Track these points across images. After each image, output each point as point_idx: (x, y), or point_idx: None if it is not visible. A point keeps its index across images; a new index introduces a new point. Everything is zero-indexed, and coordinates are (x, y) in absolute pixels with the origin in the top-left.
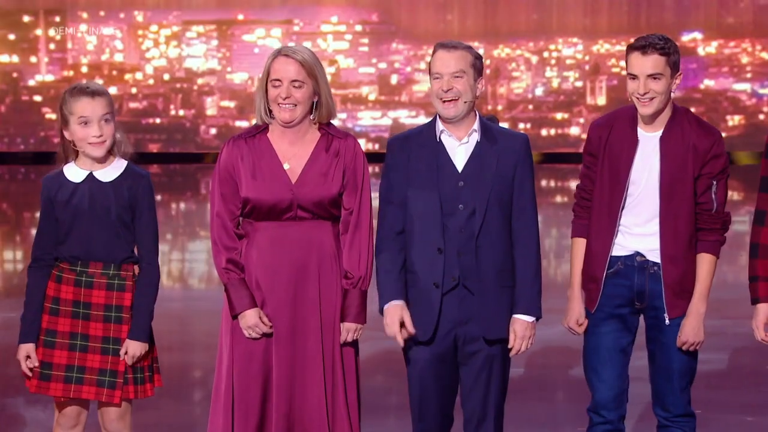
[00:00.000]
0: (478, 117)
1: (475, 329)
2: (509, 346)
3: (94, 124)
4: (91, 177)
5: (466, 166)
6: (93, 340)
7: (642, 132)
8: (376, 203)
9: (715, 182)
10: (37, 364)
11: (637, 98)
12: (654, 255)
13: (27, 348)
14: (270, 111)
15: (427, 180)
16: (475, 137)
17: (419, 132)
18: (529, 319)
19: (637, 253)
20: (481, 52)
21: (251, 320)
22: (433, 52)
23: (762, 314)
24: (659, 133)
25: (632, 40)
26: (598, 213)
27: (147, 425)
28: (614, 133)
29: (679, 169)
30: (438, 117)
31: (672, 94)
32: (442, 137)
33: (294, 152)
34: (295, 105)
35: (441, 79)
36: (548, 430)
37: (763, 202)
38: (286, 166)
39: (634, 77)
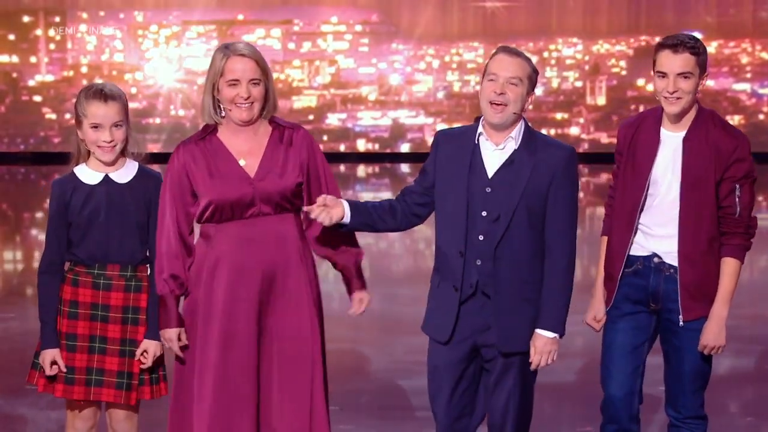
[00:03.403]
0: (521, 126)
1: (492, 338)
2: (530, 360)
3: (105, 130)
4: (107, 179)
5: (497, 173)
6: (111, 342)
7: (665, 132)
8: (381, 196)
9: (738, 186)
10: (64, 370)
11: (665, 97)
12: (671, 258)
13: (53, 353)
14: (220, 110)
15: (457, 180)
16: (512, 145)
17: (465, 131)
18: (550, 335)
19: (655, 255)
20: (480, 52)
21: (169, 336)
22: (494, 54)
23: None
24: (683, 133)
25: (659, 39)
26: (619, 211)
27: (147, 424)
28: (639, 133)
29: (702, 169)
30: (481, 120)
31: (698, 95)
32: (479, 140)
33: (248, 148)
34: (253, 103)
35: (496, 81)
36: (548, 430)
37: None
38: (241, 163)
39: (663, 75)
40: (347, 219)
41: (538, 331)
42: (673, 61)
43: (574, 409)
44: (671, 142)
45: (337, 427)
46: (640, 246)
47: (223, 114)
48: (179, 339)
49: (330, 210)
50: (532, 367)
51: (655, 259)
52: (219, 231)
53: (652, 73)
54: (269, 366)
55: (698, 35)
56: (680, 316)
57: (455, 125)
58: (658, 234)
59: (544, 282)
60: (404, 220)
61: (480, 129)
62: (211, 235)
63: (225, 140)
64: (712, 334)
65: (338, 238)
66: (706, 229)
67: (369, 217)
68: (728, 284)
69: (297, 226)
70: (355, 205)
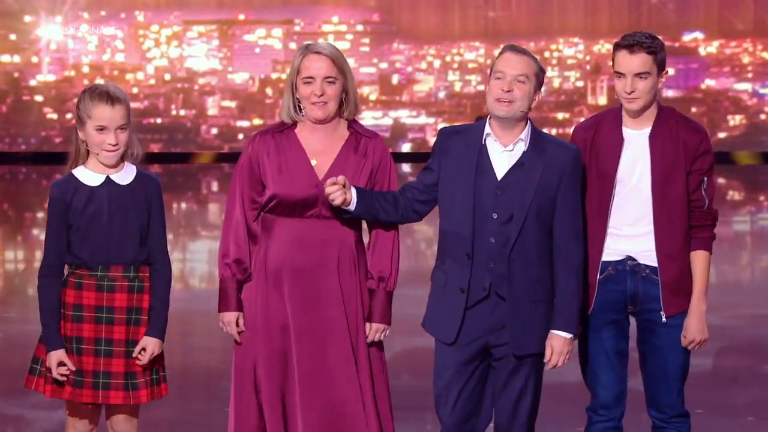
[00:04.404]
0: (529, 127)
1: (505, 338)
2: (545, 360)
3: (110, 133)
4: (108, 180)
5: (507, 175)
6: (117, 344)
7: (628, 130)
8: None
9: (705, 178)
10: (73, 369)
11: (624, 97)
12: (645, 257)
13: (59, 355)
14: (299, 108)
15: (463, 181)
16: (521, 147)
17: (469, 129)
18: (567, 335)
19: (628, 258)
20: (482, 51)
21: (227, 319)
22: (500, 53)
23: None
24: (647, 130)
25: (619, 39)
26: (588, 216)
27: (147, 425)
28: (599, 134)
29: (672, 165)
30: (488, 120)
31: (660, 92)
32: (487, 141)
33: (322, 149)
34: (327, 102)
35: (503, 79)
36: (548, 430)
37: None
38: (313, 162)
39: (621, 75)
40: (352, 206)
41: (555, 332)
42: (630, 62)
43: (574, 409)
44: (637, 140)
45: None
46: (610, 250)
47: (303, 113)
48: (237, 324)
49: (345, 192)
50: (549, 367)
51: (630, 262)
52: (275, 224)
53: (612, 71)
54: (326, 359)
55: (699, 35)
56: (662, 313)
57: (456, 125)
58: (628, 234)
59: (557, 282)
60: (405, 214)
61: (488, 130)
62: (268, 226)
63: (301, 137)
64: (696, 328)
65: (379, 259)
66: (680, 224)
67: (372, 206)
68: (704, 277)
69: (355, 235)
70: (361, 193)
